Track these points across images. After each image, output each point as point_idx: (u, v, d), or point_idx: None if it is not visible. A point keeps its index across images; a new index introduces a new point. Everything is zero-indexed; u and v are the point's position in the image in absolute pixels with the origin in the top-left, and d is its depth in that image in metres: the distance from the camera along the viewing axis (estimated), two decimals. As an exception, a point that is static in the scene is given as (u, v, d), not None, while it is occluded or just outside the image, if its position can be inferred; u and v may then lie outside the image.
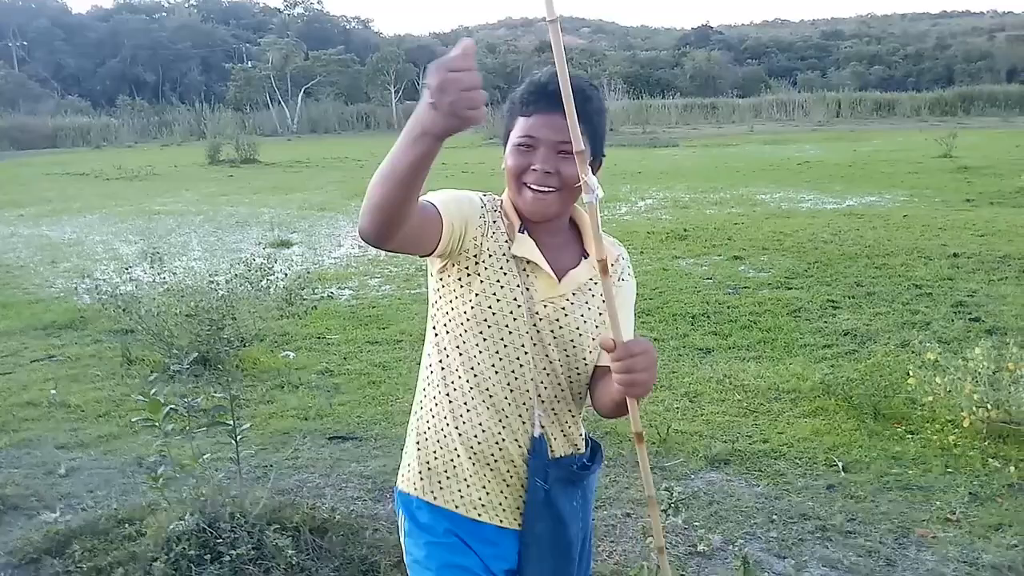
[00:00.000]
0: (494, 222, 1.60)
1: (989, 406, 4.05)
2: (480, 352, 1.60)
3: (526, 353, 1.60)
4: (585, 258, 1.65)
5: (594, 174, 1.45)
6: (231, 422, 2.98)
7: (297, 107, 46.56)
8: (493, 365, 1.60)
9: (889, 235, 10.11)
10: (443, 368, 1.64)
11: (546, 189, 1.54)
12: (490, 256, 1.58)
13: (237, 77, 47.77)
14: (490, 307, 1.58)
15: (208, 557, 2.82)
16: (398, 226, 1.33)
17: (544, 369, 1.62)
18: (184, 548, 2.82)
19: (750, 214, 12.24)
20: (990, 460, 3.89)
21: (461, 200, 1.56)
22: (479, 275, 1.58)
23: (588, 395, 1.69)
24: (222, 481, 3.09)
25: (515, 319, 1.58)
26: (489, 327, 1.58)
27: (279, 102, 46.50)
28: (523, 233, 1.60)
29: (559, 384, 1.65)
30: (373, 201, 1.30)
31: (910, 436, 4.23)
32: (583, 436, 1.74)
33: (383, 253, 10.17)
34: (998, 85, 48.85)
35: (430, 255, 1.53)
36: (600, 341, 1.49)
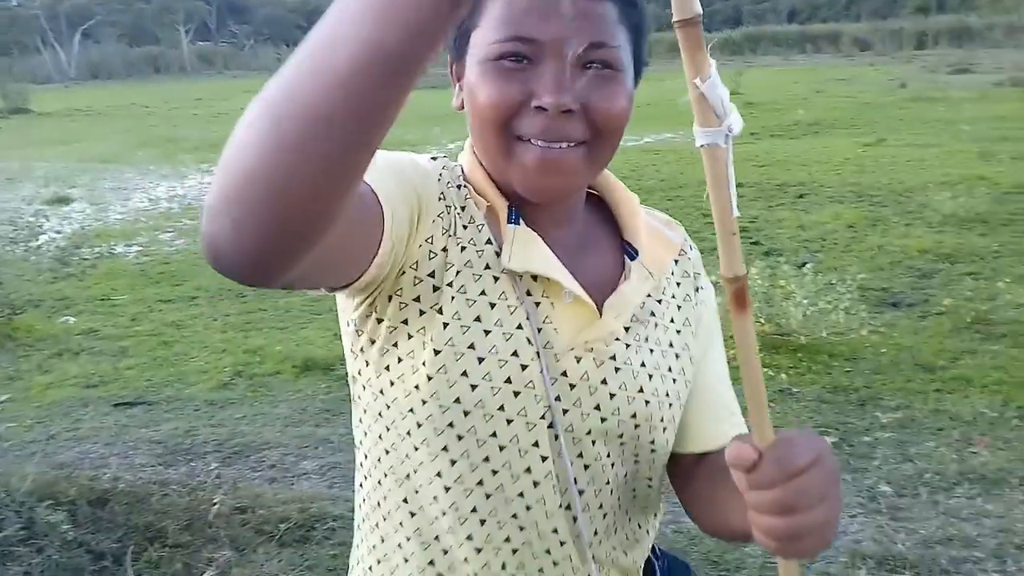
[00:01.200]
0: (462, 209, 0.85)
1: (763, 320, 4.39)
2: (453, 467, 0.82)
3: (543, 460, 0.83)
4: (631, 257, 0.90)
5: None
6: (-17, 395, 2.69)
7: (74, 50, 42.49)
8: (484, 491, 0.83)
9: (682, 169, 10.67)
10: (383, 502, 0.88)
11: (565, 144, 0.79)
12: (461, 274, 0.82)
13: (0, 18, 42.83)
14: (466, 374, 0.80)
15: (-31, 544, 2.56)
16: (324, 224, 0.54)
17: (585, 481, 0.86)
18: (-61, 537, 2.55)
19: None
20: (765, 369, 4.22)
21: (402, 169, 0.79)
22: (441, 314, 0.81)
23: (662, 494, 0.98)
24: (-19, 460, 2.80)
25: (519, 392, 0.81)
26: (467, 414, 0.81)
27: (52, 45, 42.22)
28: (517, 223, 0.85)
29: (614, 501, 0.90)
30: (270, 166, 0.49)
31: (696, 354, 4.53)
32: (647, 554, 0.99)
33: (176, 205, 9.57)
34: (780, 26, 52.50)
35: (347, 287, 0.74)
36: (732, 453, 0.66)
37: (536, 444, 0.82)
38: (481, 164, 0.87)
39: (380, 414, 0.86)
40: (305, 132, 0.47)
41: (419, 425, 0.82)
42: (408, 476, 0.85)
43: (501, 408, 0.81)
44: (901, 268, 6.01)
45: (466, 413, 0.80)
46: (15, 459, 3.35)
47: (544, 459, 0.83)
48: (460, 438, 0.81)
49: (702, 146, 0.63)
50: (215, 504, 2.75)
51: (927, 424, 3.59)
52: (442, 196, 0.83)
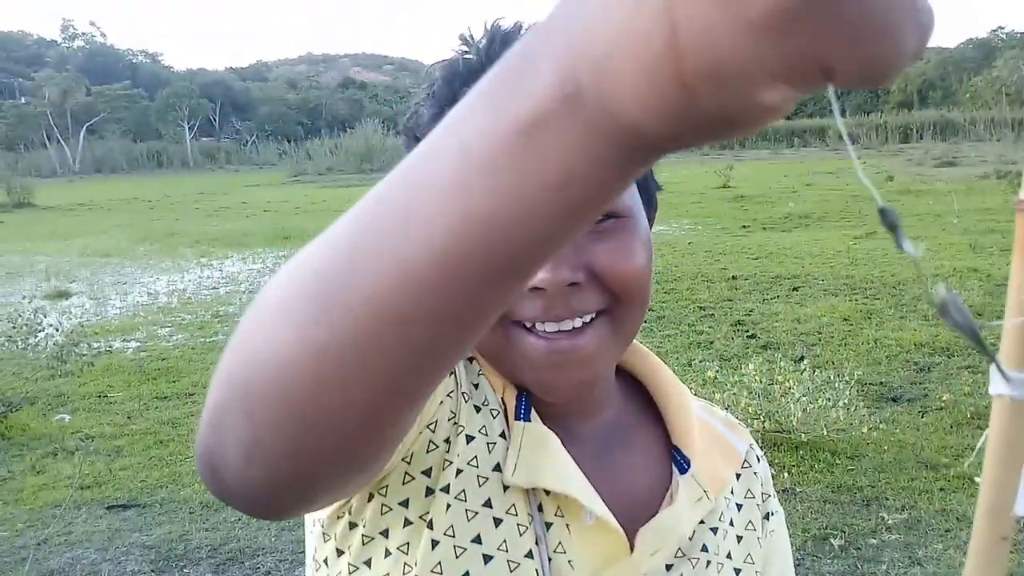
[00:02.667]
0: (475, 387, 0.68)
1: (762, 417, 4.37)
2: None
3: None
4: (681, 470, 0.72)
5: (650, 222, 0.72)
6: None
7: (79, 145, 43.39)
8: None
9: (676, 261, 10.79)
10: None
11: (578, 322, 0.64)
12: (462, 475, 0.64)
13: (8, 114, 43.94)
14: None
15: (-47, 659, 2.48)
16: (375, 451, 0.40)
17: None
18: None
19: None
20: (766, 468, 4.18)
21: None
22: (431, 529, 0.62)
23: None
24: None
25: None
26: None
27: (58, 140, 43.14)
28: (527, 420, 0.67)
29: None
30: (277, 403, 0.34)
31: (697, 452, 4.49)
32: None
33: (175, 300, 9.62)
34: (767, 121, 53.85)
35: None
36: None
37: None
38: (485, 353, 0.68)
39: None
40: (363, 335, 0.32)
41: None
42: None
43: None
44: (898, 362, 6.02)
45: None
46: (5, 565, 3.27)
47: None
48: None
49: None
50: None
51: (934, 525, 3.54)
52: (453, 372, 0.64)
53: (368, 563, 0.62)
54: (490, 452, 0.64)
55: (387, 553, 0.62)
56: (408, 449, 0.61)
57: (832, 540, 3.42)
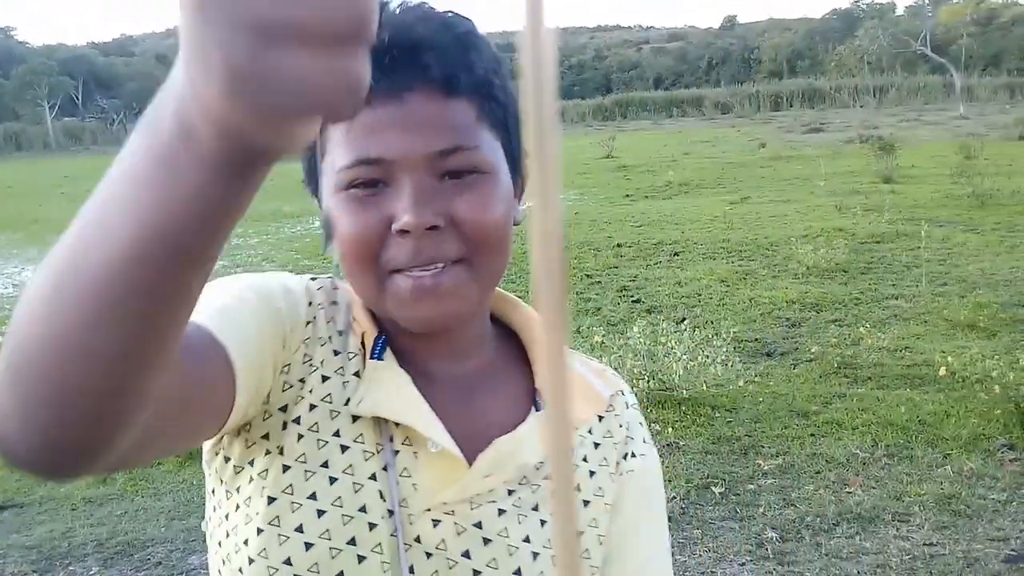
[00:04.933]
0: (338, 334, 0.75)
1: (647, 378, 4.55)
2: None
3: None
4: (538, 408, 0.78)
5: (517, 195, 0.76)
6: None
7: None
8: None
9: (563, 232, 10.95)
10: None
11: (438, 265, 0.69)
12: (316, 410, 0.71)
13: None
14: (301, 530, 0.68)
15: None
16: (121, 425, 0.45)
17: None
18: None
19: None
20: (653, 425, 4.36)
21: (269, 293, 0.71)
22: (283, 455, 0.70)
23: None
24: None
25: (364, 557, 0.69)
26: None
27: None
28: (379, 359, 0.73)
29: None
30: (37, 379, 0.42)
31: (587, 414, 4.63)
32: None
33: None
34: (647, 92, 55.19)
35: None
36: None
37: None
38: (360, 294, 0.75)
39: (224, 562, 0.73)
40: (87, 317, 0.40)
41: None
42: None
43: (340, 574, 0.67)
44: (771, 319, 6.35)
45: (333, 554, 0.67)
46: None
47: None
48: None
49: None
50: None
51: (805, 468, 3.79)
52: (311, 321, 0.72)
53: (237, 489, 0.71)
54: (344, 389, 0.72)
55: (250, 479, 0.70)
56: (266, 390, 0.68)
57: (713, 488, 3.61)
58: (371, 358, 0.73)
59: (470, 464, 0.72)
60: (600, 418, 0.81)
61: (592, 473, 0.79)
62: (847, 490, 3.53)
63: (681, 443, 4.14)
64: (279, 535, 0.68)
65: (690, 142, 25.53)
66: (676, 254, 9.11)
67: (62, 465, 0.46)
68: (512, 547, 0.72)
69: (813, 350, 5.44)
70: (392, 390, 0.71)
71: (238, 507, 0.71)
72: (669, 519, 2.86)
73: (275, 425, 0.70)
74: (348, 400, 0.71)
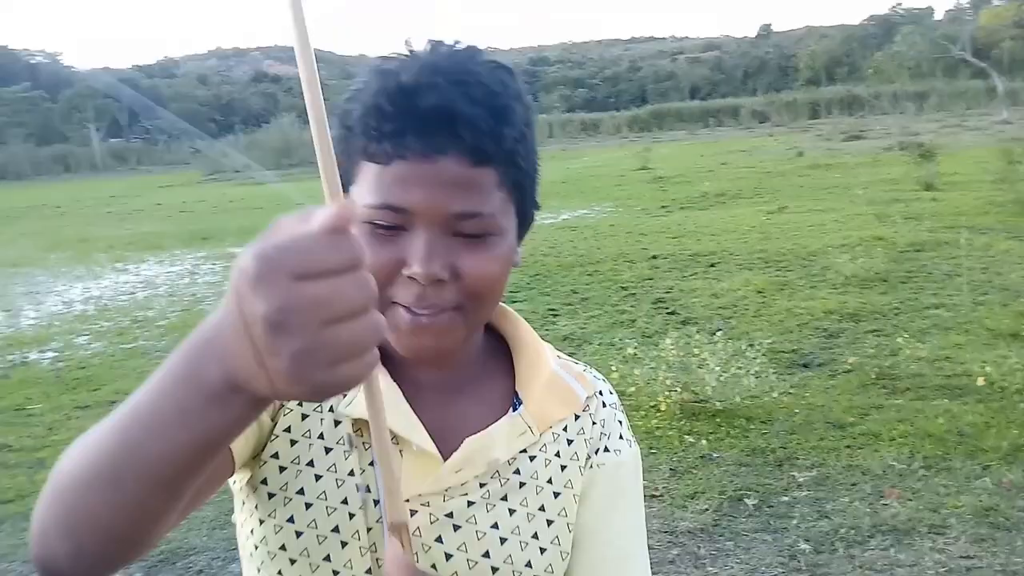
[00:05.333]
0: None
1: (680, 389, 4.55)
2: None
3: None
4: (515, 408, 0.86)
5: (519, 241, 0.84)
6: None
7: (-21, 152, 41.45)
8: None
9: (599, 244, 10.99)
10: None
11: (434, 310, 0.76)
12: (308, 419, 0.83)
13: (-102, 122, 41.64)
14: (292, 520, 0.79)
15: None
16: (155, 536, 0.62)
17: None
18: None
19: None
20: (686, 437, 4.36)
21: None
22: (277, 459, 0.81)
23: None
24: None
25: (345, 543, 0.79)
26: (293, 562, 0.79)
27: (-45, 148, 41.14)
28: None
29: None
30: (87, 516, 0.59)
31: (621, 426, 4.64)
32: None
33: (92, 307, 9.37)
34: (683, 102, 54.98)
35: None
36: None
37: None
38: None
39: (250, 556, 0.84)
40: (125, 501, 0.57)
41: (258, 571, 0.81)
42: None
43: (327, 558, 0.78)
44: (809, 329, 6.30)
45: (292, 561, 0.78)
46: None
47: None
48: (315, 569, 0.78)
49: None
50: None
51: (841, 480, 3.76)
52: None
53: (255, 506, 0.81)
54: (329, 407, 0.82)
55: (261, 491, 0.81)
56: (265, 432, 0.81)
57: (747, 500, 3.60)
58: None
59: (443, 458, 0.80)
60: (576, 417, 0.88)
61: (563, 467, 0.86)
62: (883, 502, 3.50)
63: (715, 455, 4.13)
64: (275, 526, 0.79)
65: (726, 152, 25.37)
66: (712, 265, 9.07)
67: (100, 571, 0.61)
68: (480, 532, 0.81)
69: (850, 361, 5.38)
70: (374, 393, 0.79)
71: (243, 503, 0.83)
72: (701, 531, 2.87)
73: (273, 438, 0.81)
74: (332, 407, 0.81)
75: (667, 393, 4.57)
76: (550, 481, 0.85)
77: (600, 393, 0.91)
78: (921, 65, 40.16)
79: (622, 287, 8.30)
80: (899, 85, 39.70)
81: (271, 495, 0.79)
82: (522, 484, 0.83)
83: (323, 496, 0.79)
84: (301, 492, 0.79)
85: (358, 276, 0.50)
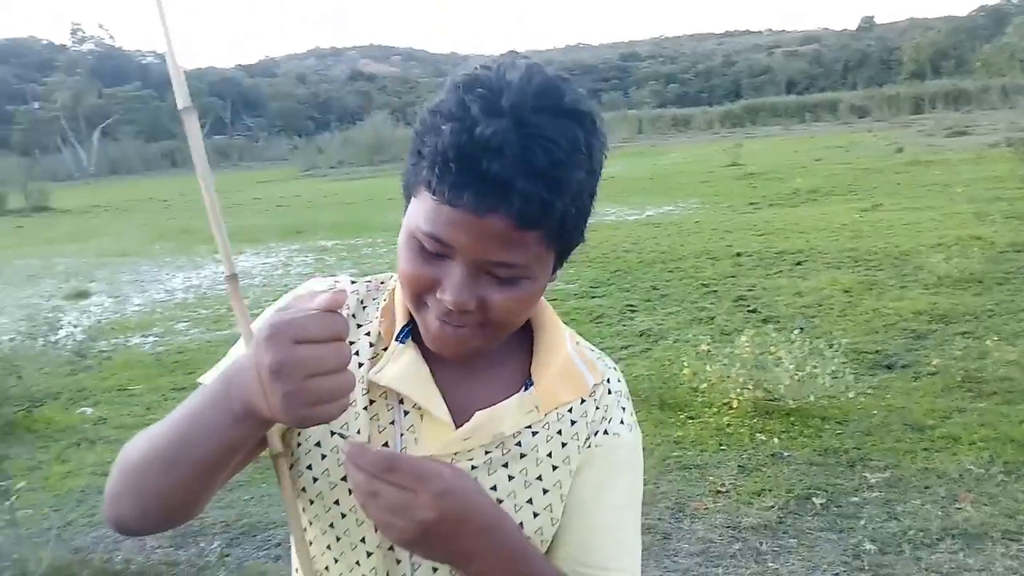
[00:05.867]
0: (357, 327, 0.96)
1: (752, 387, 4.52)
2: (327, 554, 0.95)
3: (397, 563, 0.92)
4: (527, 388, 0.94)
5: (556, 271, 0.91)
6: (3, 482, 2.85)
7: (93, 148, 43.80)
8: (333, 555, 0.95)
9: (682, 240, 10.89)
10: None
11: (458, 326, 0.86)
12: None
13: (22, 120, 44.47)
14: (309, 468, 0.92)
15: (-12, 627, 2.69)
16: (191, 510, 0.86)
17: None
18: (-40, 622, 2.68)
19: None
20: (757, 435, 4.33)
21: None
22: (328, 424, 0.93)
23: None
24: (1, 545, 2.94)
25: (352, 492, 0.86)
26: (328, 511, 0.92)
27: (73, 144, 43.59)
28: (402, 341, 0.93)
29: None
30: (144, 488, 0.83)
31: (691, 421, 4.64)
32: None
33: (192, 295, 9.87)
34: (779, 97, 53.56)
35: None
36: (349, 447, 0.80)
37: (373, 551, 0.91)
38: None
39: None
40: (176, 482, 0.81)
41: (311, 521, 0.94)
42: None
43: (336, 502, 0.91)
44: (895, 330, 6.13)
45: (311, 502, 0.92)
46: (33, 544, 3.48)
47: (398, 563, 0.91)
48: (336, 538, 0.93)
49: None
50: (221, 581, 2.87)
51: (914, 483, 3.68)
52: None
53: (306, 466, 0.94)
54: (370, 364, 0.93)
55: (293, 444, 0.95)
56: None
57: (814, 499, 3.56)
58: (396, 340, 0.93)
59: (455, 426, 0.90)
60: (582, 401, 0.96)
61: (564, 444, 0.94)
62: (956, 506, 3.41)
63: (785, 454, 4.09)
64: (296, 471, 0.93)
65: (822, 148, 24.63)
66: (799, 263, 8.88)
67: (158, 529, 0.87)
68: (493, 497, 0.89)
69: (935, 363, 5.22)
70: (408, 368, 0.91)
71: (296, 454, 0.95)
72: (765, 527, 2.89)
73: None
74: (370, 370, 0.93)
75: (739, 391, 4.55)
76: (549, 455, 0.93)
77: (608, 380, 0.98)
78: (1035, 57, 38.02)
79: (703, 284, 8.22)
80: (1009, 79, 37.69)
81: (299, 444, 0.93)
82: (523, 455, 0.92)
83: (335, 450, 0.91)
84: (318, 444, 0.92)
85: (339, 347, 0.72)
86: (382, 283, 0.99)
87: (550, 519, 0.92)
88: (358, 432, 0.91)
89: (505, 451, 0.91)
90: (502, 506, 0.90)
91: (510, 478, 0.91)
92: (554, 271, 0.89)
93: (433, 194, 0.80)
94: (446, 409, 0.90)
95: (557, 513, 0.93)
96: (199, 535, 3.64)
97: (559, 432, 0.94)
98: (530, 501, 0.91)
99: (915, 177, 15.81)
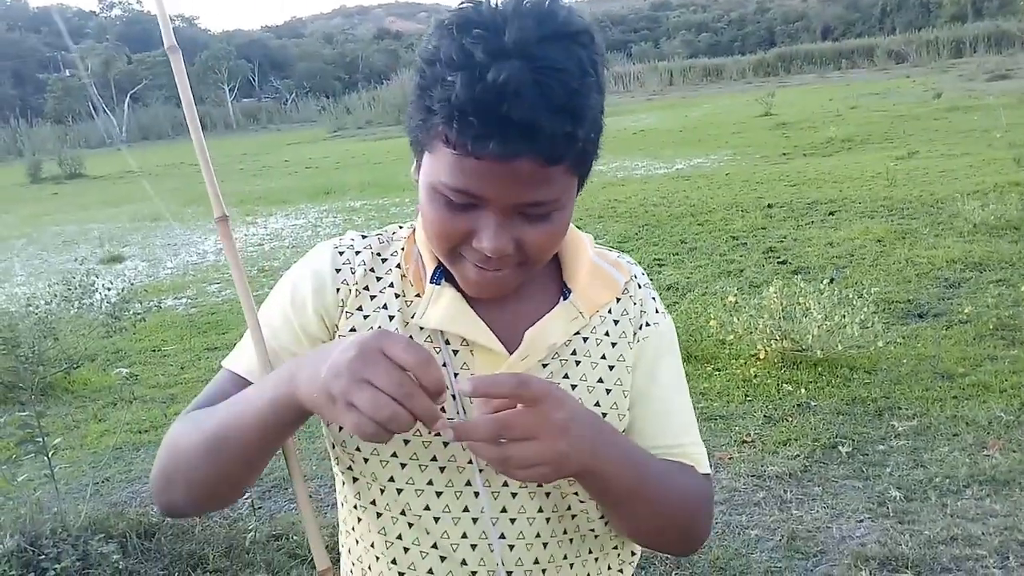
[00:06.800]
0: (377, 279, 0.96)
1: (779, 337, 4.48)
2: (409, 491, 0.94)
3: (473, 494, 0.92)
4: (566, 297, 0.95)
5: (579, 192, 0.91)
6: (40, 439, 2.94)
7: (124, 114, 44.21)
8: (433, 514, 0.93)
9: (712, 193, 10.75)
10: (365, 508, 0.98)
11: (496, 269, 0.87)
12: (362, 316, 0.95)
13: (54, 88, 44.96)
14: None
15: (33, 575, 2.79)
16: (238, 493, 0.95)
17: (516, 516, 0.93)
18: (5, 570, 2.78)
19: (587, 185, 12.71)
20: (784, 385, 4.31)
21: (288, 323, 0.96)
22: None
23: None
24: (41, 500, 3.04)
25: (427, 436, 0.91)
26: (395, 456, 0.93)
27: (104, 110, 44.02)
28: (438, 283, 0.93)
29: (549, 538, 0.94)
30: (194, 477, 0.88)
31: (718, 373, 4.62)
32: None
33: (222, 258, 9.99)
34: (814, 44, 52.22)
35: None
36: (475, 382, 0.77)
37: (452, 483, 0.91)
38: (425, 241, 0.95)
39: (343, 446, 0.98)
40: (219, 469, 0.87)
41: (337, 461, 1.00)
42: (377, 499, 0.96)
43: (416, 454, 0.92)
44: (928, 279, 6.03)
45: (405, 441, 0.92)
46: (72, 500, 3.60)
47: (473, 494, 0.92)
48: (408, 477, 0.93)
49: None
50: (251, 532, 2.95)
51: (942, 430, 3.64)
52: (340, 288, 0.96)
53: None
54: (409, 307, 0.95)
55: None
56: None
57: (840, 448, 3.55)
58: (431, 282, 0.93)
59: (511, 354, 0.92)
60: (617, 299, 0.99)
61: (614, 344, 0.98)
62: (984, 453, 3.38)
63: (812, 403, 4.07)
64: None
65: (857, 95, 24.03)
66: (831, 213, 8.74)
67: (206, 510, 1.01)
68: None
69: (967, 311, 5.14)
70: (449, 307, 0.92)
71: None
72: (790, 476, 2.89)
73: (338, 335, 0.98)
74: (413, 315, 0.93)
75: (767, 342, 4.52)
76: (604, 357, 0.96)
77: (635, 276, 1.02)
78: (1083, -6, 36.55)
79: (732, 236, 8.13)
80: (1056, 18, 36.33)
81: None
82: (578, 362, 0.94)
83: None
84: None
85: (414, 387, 0.73)
86: (393, 235, 1.01)
87: (618, 416, 0.96)
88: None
89: (563, 361, 0.94)
90: None
91: (573, 387, 0.93)
92: (578, 192, 0.90)
93: (453, 148, 0.79)
94: (496, 339, 0.92)
95: (623, 408, 0.96)
96: (231, 489, 3.73)
97: (606, 334, 0.97)
98: (597, 403, 0.94)
99: (953, 123, 15.41)
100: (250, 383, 0.92)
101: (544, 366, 0.93)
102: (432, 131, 0.81)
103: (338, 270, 0.96)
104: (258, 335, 0.92)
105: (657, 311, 1.01)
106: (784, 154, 14.00)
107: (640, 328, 0.99)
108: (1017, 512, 2.91)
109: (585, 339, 0.95)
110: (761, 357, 4.56)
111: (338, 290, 0.95)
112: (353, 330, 0.93)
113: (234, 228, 9.01)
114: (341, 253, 0.98)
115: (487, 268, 0.86)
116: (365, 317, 0.94)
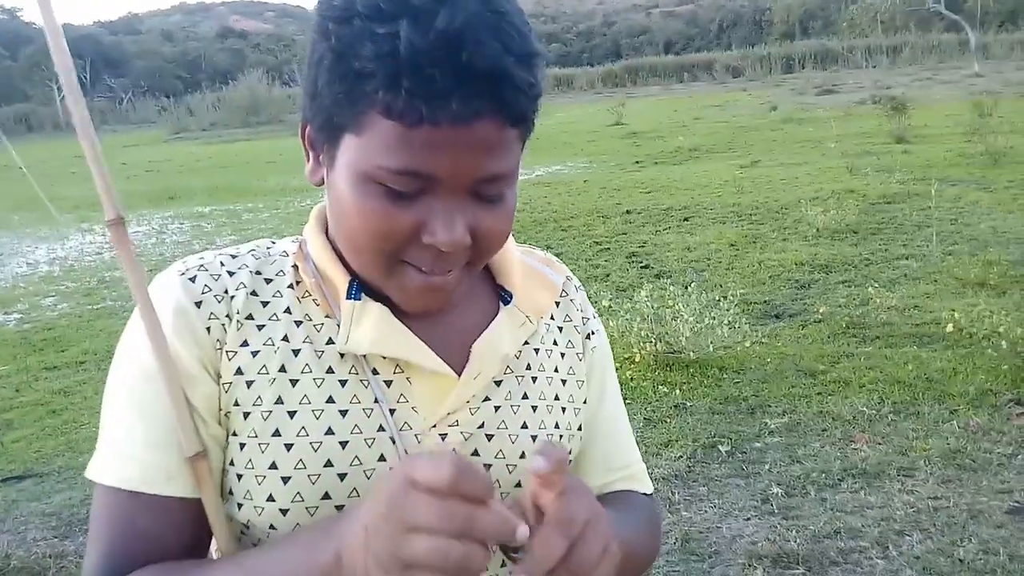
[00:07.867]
0: (263, 305, 0.77)
1: (654, 341, 4.56)
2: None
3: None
4: (505, 302, 0.84)
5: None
6: None
7: (-64, 113, 40.29)
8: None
9: (572, 200, 10.94)
10: None
11: (445, 270, 0.73)
12: (250, 352, 0.75)
13: None
14: (277, 434, 0.74)
15: None
16: None
17: None
18: None
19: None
20: (659, 387, 4.39)
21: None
22: (283, 403, 0.74)
23: None
24: None
25: (345, 444, 0.75)
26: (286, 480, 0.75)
27: (-89, 108, 39.96)
28: (356, 298, 0.77)
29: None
30: None
31: (595, 378, 4.64)
32: None
33: (57, 269, 9.21)
34: (658, 57, 54.53)
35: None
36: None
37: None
38: (331, 245, 0.78)
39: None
40: None
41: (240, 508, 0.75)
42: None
43: (328, 463, 0.73)
44: (781, 281, 6.34)
45: (338, 508, 0.73)
46: None
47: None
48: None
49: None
50: None
51: (812, 426, 3.80)
52: (210, 324, 0.74)
53: (245, 465, 0.75)
54: (319, 332, 0.76)
55: (235, 416, 0.75)
56: (228, 404, 0.74)
57: (720, 447, 3.64)
58: (349, 299, 0.76)
59: (459, 375, 0.78)
60: (557, 303, 0.89)
61: (563, 355, 0.87)
62: (853, 447, 3.55)
63: (688, 404, 4.16)
64: (259, 444, 0.73)
65: (701, 107, 25.29)
66: (686, 219, 9.07)
67: None
68: (513, 436, 0.80)
69: (821, 311, 5.43)
70: (379, 326, 0.75)
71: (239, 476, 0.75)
72: (676, 477, 2.88)
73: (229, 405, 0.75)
74: (328, 341, 0.76)
75: (642, 344, 4.59)
76: (556, 370, 0.86)
77: (569, 277, 0.92)
78: (895, 18, 40.07)
79: (596, 242, 8.28)
80: (872, 39, 39.66)
81: (247, 414, 0.73)
82: (534, 379, 0.83)
83: (305, 400, 0.74)
84: (280, 401, 0.73)
85: (461, 501, 0.55)
86: (269, 249, 0.81)
87: (579, 436, 0.88)
88: (368, 414, 0.75)
89: (519, 378, 0.82)
90: (538, 438, 0.81)
91: (534, 408, 0.82)
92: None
93: (400, 117, 0.64)
94: (439, 359, 0.77)
95: (574, 428, 0.87)
96: (87, 523, 3.39)
97: (554, 343, 0.87)
98: (556, 425, 0.84)
99: (789, 134, 16.44)
100: (147, 495, 0.71)
101: (498, 384, 0.80)
102: (363, 103, 0.65)
103: (198, 304, 0.74)
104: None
105: (594, 317, 0.93)
106: (637, 162, 14.48)
107: (588, 337, 0.89)
108: (890, 503, 3.06)
109: (536, 351, 0.84)
110: (636, 360, 4.63)
111: (208, 329, 0.73)
112: (239, 372, 0.73)
113: (69, 236, 8.40)
114: (193, 279, 0.75)
115: (434, 272, 0.71)
116: (254, 354, 0.74)
